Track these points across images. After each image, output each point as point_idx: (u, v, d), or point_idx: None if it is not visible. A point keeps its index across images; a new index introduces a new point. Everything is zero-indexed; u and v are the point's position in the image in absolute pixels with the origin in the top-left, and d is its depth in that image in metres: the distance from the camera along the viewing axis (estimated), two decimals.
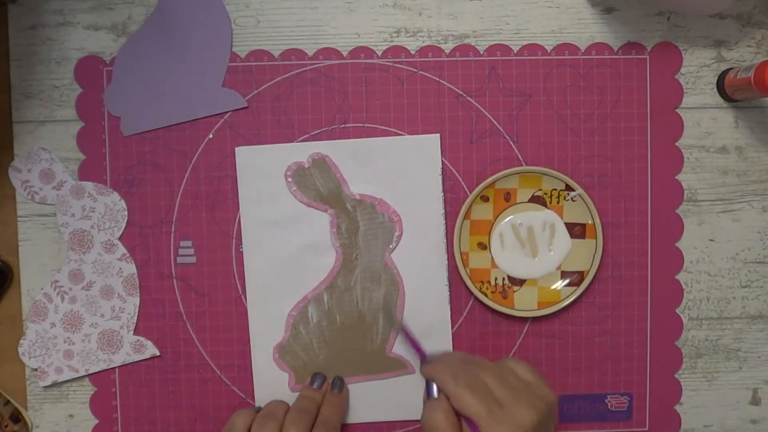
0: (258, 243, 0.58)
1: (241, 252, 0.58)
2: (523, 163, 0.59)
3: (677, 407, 0.60)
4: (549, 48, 0.59)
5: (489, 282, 0.59)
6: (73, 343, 0.58)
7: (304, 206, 0.58)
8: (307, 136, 0.58)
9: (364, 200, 0.58)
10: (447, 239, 0.59)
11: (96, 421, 0.59)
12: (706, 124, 0.59)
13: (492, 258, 0.59)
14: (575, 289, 0.58)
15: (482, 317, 0.59)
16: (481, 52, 0.59)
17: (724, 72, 0.59)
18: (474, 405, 0.46)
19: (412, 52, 0.58)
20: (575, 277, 0.58)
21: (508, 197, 0.59)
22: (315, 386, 0.57)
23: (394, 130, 0.59)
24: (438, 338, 0.59)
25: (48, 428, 0.59)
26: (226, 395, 0.59)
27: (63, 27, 0.58)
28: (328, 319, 0.59)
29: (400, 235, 0.58)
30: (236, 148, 0.58)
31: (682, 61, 0.59)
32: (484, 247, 0.59)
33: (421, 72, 0.58)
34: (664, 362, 0.60)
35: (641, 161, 0.59)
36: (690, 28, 0.59)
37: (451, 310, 0.59)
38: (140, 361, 0.59)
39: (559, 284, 0.59)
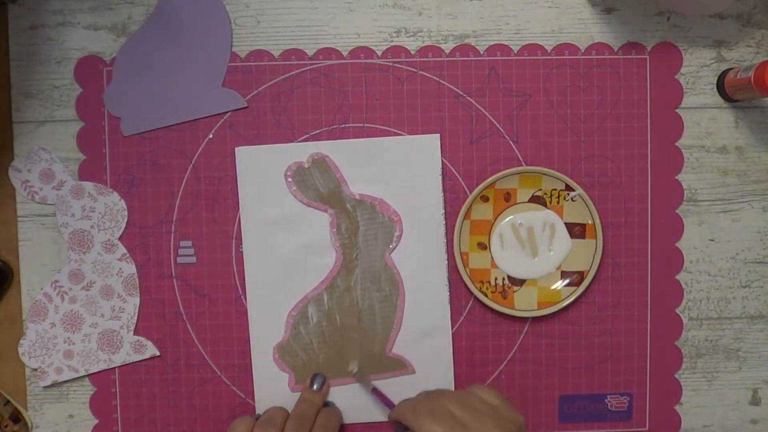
0: (258, 243, 0.58)
1: (241, 252, 0.58)
2: (523, 163, 0.59)
3: (677, 407, 0.60)
4: (549, 48, 0.59)
5: (489, 282, 0.59)
6: (73, 343, 0.58)
7: (304, 206, 0.58)
8: (307, 136, 0.58)
9: (364, 200, 0.58)
10: (447, 239, 0.59)
11: (96, 421, 0.59)
12: (706, 124, 0.59)
13: (492, 258, 0.59)
14: (575, 289, 0.58)
15: (482, 317, 0.59)
16: (481, 52, 0.59)
17: (724, 72, 0.59)
18: (436, 430, 0.47)
19: (412, 52, 0.58)
20: (575, 277, 0.58)
21: (508, 197, 0.59)
22: (315, 388, 0.58)
23: (394, 130, 0.59)
24: (438, 338, 0.59)
25: (48, 428, 0.59)
26: (226, 395, 0.59)
27: (63, 27, 0.58)
28: (328, 319, 0.59)
29: (400, 235, 0.58)
30: (236, 148, 0.58)
31: (682, 61, 0.59)
32: (484, 247, 0.59)
33: (421, 72, 0.58)
34: (664, 362, 0.60)
35: (641, 161, 0.59)
36: (690, 28, 0.59)
37: (451, 310, 0.59)
38: (140, 361, 0.59)
39: (559, 284, 0.59)
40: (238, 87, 0.58)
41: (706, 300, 0.60)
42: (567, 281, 0.59)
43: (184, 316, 0.59)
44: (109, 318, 0.58)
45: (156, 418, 0.59)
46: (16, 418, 0.59)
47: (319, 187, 0.58)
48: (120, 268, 0.58)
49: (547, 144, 0.59)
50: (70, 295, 0.58)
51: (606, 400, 0.60)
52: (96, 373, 0.59)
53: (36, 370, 0.58)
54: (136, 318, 0.59)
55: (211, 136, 0.58)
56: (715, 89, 0.59)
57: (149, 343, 0.59)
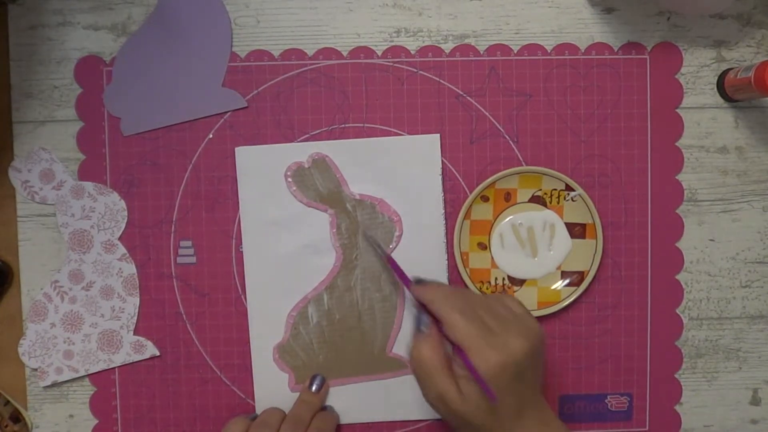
0: (258, 243, 0.58)
1: (241, 252, 0.58)
2: (523, 163, 0.59)
3: (677, 407, 0.60)
4: (549, 48, 0.59)
5: (489, 282, 0.59)
6: (73, 343, 0.58)
7: (304, 206, 0.58)
8: (307, 136, 0.58)
9: (364, 200, 0.58)
10: (447, 239, 0.59)
11: (96, 421, 0.59)
12: (706, 124, 0.59)
13: (492, 258, 0.59)
14: (575, 289, 0.58)
15: None
16: (481, 52, 0.59)
17: (724, 72, 0.59)
18: (466, 329, 0.46)
19: (412, 52, 0.58)
20: (575, 277, 0.58)
21: (508, 197, 0.59)
22: (314, 389, 0.58)
23: (394, 130, 0.59)
24: None
25: (48, 428, 0.59)
26: (226, 395, 0.59)
27: (63, 27, 0.58)
28: (328, 319, 0.59)
29: (400, 235, 0.58)
30: (236, 148, 0.58)
31: (682, 61, 0.59)
32: (484, 247, 0.59)
33: (421, 72, 0.58)
34: (664, 362, 0.60)
35: (641, 161, 0.59)
36: (690, 28, 0.59)
37: None
38: (140, 361, 0.59)
39: (559, 284, 0.59)
40: (238, 87, 0.58)
41: (706, 300, 0.60)
42: (567, 281, 0.59)
43: (184, 316, 0.59)
44: (109, 318, 0.58)
45: (156, 418, 0.59)
46: (16, 418, 0.59)
47: (319, 187, 0.58)
48: (120, 268, 0.58)
49: (547, 144, 0.59)
50: (70, 295, 0.58)
51: (606, 400, 0.60)
52: (96, 373, 0.59)
53: (36, 370, 0.58)
54: (136, 318, 0.59)
55: (211, 136, 0.58)
56: (715, 89, 0.59)
57: (149, 343, 0.59)
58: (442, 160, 0.58)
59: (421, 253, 0.58)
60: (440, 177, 0.58)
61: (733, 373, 0.61)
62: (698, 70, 0.59)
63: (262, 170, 0.58)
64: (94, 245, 0.58)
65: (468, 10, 0.59)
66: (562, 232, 0.59)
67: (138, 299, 0.59)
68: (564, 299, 0.58)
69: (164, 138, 0.58)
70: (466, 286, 0.58)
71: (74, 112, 0.58)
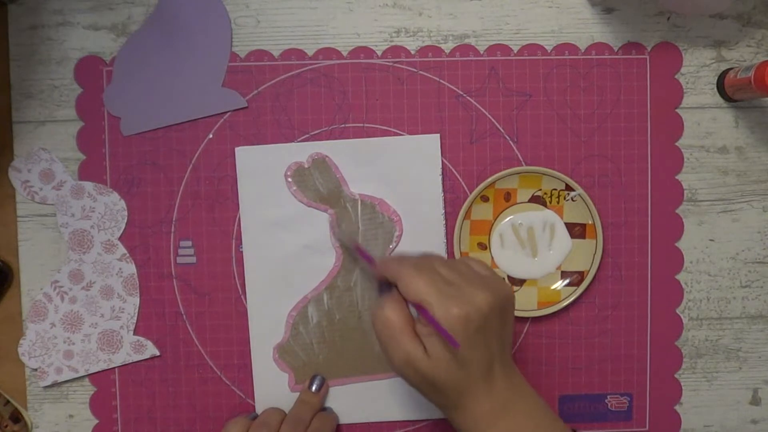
0: (258, 243, 0.58)
1: (241, 252, 0.58)
2: (523, 163, 0.59)
3: (677, 407, 0.60)
4: (549, 48, 0.59)
5: None
6: (73, 343, 0.58)
7: (304, 206, 0.58)
8: (307, 136, 0.58)
9: (364, 200, 0.58)
10: (447, 239, 0.59)
11: (96, 421, 0.59)
12: (706, 124, 0.59)
13: (492, 258, 0.59)
14: (575, 289, 0.58)
15: None
16: (481, 52, 0.59)
17: (724, 72, 0.59)
18: (422, 285, 0.44)
19: (412, 52, 0.58)
20: (575, 277, 0.59)
21: (508, 197, 0.59)
22: (314, 389, 0.58)
23: (394, 130, 0.59)
24: None
25: (48, 428, 0.59)
26: (226, 395, 0.59)
27: (63, 27, 0.58)
28: (328, 319, 0.59)
29: (400, 235, 0.58)
30: (236, 148, 0.58)
31: (682, 61, 0.59)
32: (484, 247, 0.59)
33: (421, 72, 0.58)
34: (664, 362, 0.60)
35: (641, 161, 0.59)
36: (690, 28, 0.59)
37: None
38: (140, 361, 0.59)
39: (559, 284, 0.59)
40: (238, 87, 0.58)
41: (706, 300, 0.60)
42: (567, 281, 0.59)
43: (184, 316, 0.59)
44: (109, 318, 0.58)
45: (156, 418, 0.59)
46: (16, 418, 0.58)
47: (319, 187, 0.58)
48: (120, 268, 0.58)
49: (547, 144, 0.59)
50: (70, 295, 0.58)
51: (606, 400, 0.60)
52: (96, 373, 0.59)
53: (36, 370, 0.58)
54: (136, 318, 0.59)
55: (211, 136, 0.58)
56: (715, 89, 0.59)
57: (149, 343, 0.59)
58: (442, 160, 0.58)
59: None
60: (440, 177, 0.58)
61: (733, 373, 0.61)
62: (698, 70, 0.59)
63: (262, 170, 0.58)
64: (94, 245, 0.58)
65: (468, 10, 0.59)
66: (562, 232, 0.59)
67: (138, 299, 0.59)
68: (564, 299, 0.58)
69: (164, 138, 0.58)
70: None
71: (74, 112, 0.58)
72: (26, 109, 0.58)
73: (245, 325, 0.59)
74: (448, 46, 0.59)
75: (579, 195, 0.58)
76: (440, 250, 0.58)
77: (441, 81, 0.58)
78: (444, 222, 0.58)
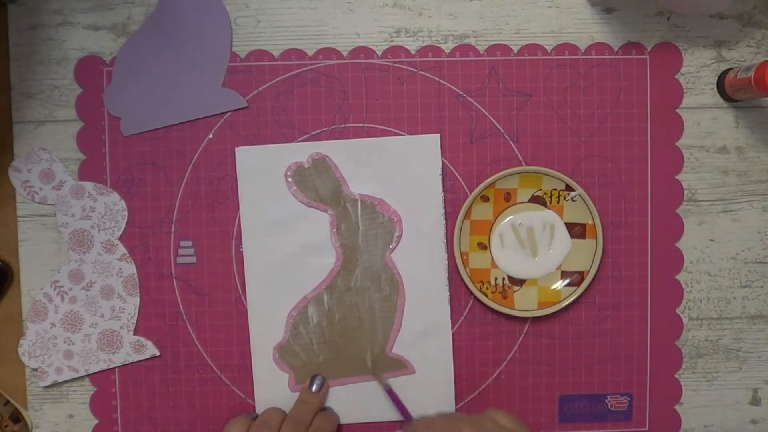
0: (258, 243, 0.58)
1: (241, 252, 0.58)
2: (523, 163, 0.59)
3: (677, 407, 0.60)
4: (549, 48, 0.59)
5: (489, 282, 0.59)
6: (73, 343, 0.58)
7: (304, 206, 0.58)
8: (307, 136, 0.58)
9: (364, 200, 0.58)
10: (447, 239, 0.59)
11: (96, 421, 0.59)
12: (706, 124, 0.59)
13: (492, 258, 0.59)
14: (575, 289, 0.58)
15: (482, 317, 0.59)
16: (481, 52, 0.59)
17: (724, 72, 0.59)
18: None
19: (412, 52, 0.58)
20: (575, 277, 0.58)
21: (508, 197, 0.59)
22: (314, 389, 0.58)
23: (394, 130, 0.59)
24: (438, 338, 0.59)
25: (48, 428, 0.59)
26: (226, 395, 0.59)
27: (63, 27, 0.58)
28: (328, 319, 0.59)
29: (400, 235, 0.58)
30: (236, 148, 0.58)
31: (682, 61, 0.59)
32: (484, 247, 0.59)
33: (421, 72, 0.58)
34: (664, 362, 0.60)
35: (641, 161, 0.59)
36: (690, 28, 0.59)
37: (451, 310, 0.59)
38: (140, 361, 0.59)
39: (559, 284, 0.59)
40: (238, 87, 0.58)
41: (706, 300, 0.60)
42: (567, 281, 0.59)
43: (184, 316, 0.59)
44: (109, 318, 0.58)
45: (156, 418, 0.59)
46: (16, 418, 0.58)
47: (319, 187, 0.58)
48: (120, 268, 0.58)
49: (547, 144, 0.59)
50: (70, 295, 0.58)
51: (606, 400, 0.60)
52: (96, 373, 0.59)
53: (36, 370, 0.58)
54: (136, 318, 0.59)
55: (211, 136, 0.58)
56: (715, 89, 0.59)
57: (149, 343, 0.59)
58: (442, 160, 0.58)
59: (421, 253, 0.58)
60: (440, 177, 0.58)
61: (733, 373, 0.61)
62: (698, 70, 0.59)
63: (262, 170, 0.58)
64: (94, 245, 0.58)
65: (468, 10, 0.59)
66: (562, 232, 0.59)
67: (138, 299, 0.59)
68: (564, 299, 0.58)
69: (164, 138, 0.58)
70: (466, 286, 0.58)
71: (74, 112, 0.58)
72: (26, 109, 0.58)
73: (245, 325, 0.59)
74: (448, 46, 0.59)
75: (579, 195, 0.58)
76: (440, 250, 0.58)
77: (441, 81, 0.58)
78: (444, 222, 0.58)
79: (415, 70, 0.58)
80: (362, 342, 0.59)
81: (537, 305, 0.58)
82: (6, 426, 0.58)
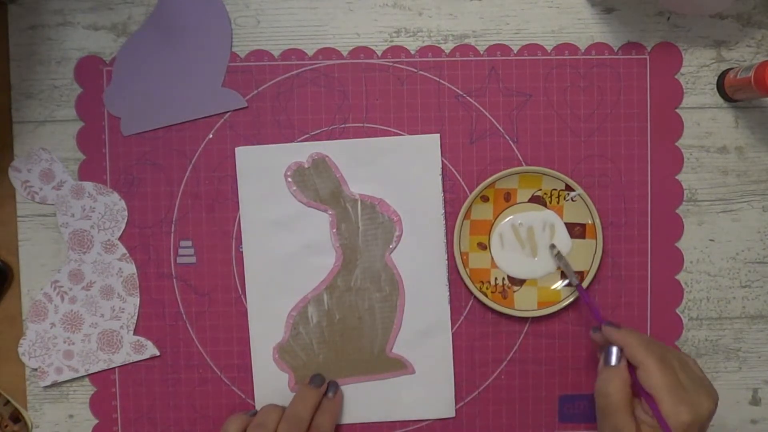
0: (258, 243, 0.58)
1: (241, 252, 0.58)
2: (523, 163, 0.59)
3: None
4: (549, 48, 0.59)
5: (489, 282, 0.59)
6: (73, 343, 0.58)
7: (304, 206, 0.58)
8: (307, 136, 0.59)
9: (364, 200, 0.58)
10: (447, 239, 0.59)
11: (96, 421, 0.59)
12: (706, 124, 0.59)
13: (492, 258, 0.59)
14: (575, 289, 0.58)
15: (482, 317, 0.59)
16: (481, 52, 0.59)
17: (724, 72, 0.59)
18: (662, 380, 0.47)
19: (412, 52, 0.58)
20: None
21: (508, 197, 0.59)
22: (330, 395, 0.57)
23: (394, 130, 0.59)
24: (438, 338, 0.59)
25: (48, 428, 0.59)
26: (226, 395, 0.59)
27: (63, 27, 0.58)
28: (328, 319, 0.59)
29: (400, 235, 0.58)
30: (236, 148, 0.58)
31: (682, 61, 0.59)
32: (484, 247, 0.59)
33: (421, 72, 0.58)
34: None
35: (641, 161, 0.59)
36: (690, 28, 0.59)
37: (451, 310, 0.59)
38: (140, 361, 0.59)
39: (559, 284, 0.59)
40: (238, 87, 0.58)
41: (706, 300, 0.60)
42: (567, 281, 0.59)
43: (184, 316, 0.59)
44: (109, 318, 0.58)
45: (156, 418, 0.59)
46: (16, 418, 0.59)
47: (318, 187, 0.58)
48: (120, 268, 0.58)
49: (547, 144, 0.59)
50: (70, 295, 0.58)
51: None
52: (96, 373, 0.59)
53: (36, 370, 0.58)
54: (136, 318, 0.59)
55: (211, 136, 0.59)
56: (715, 89, 0.59)
57: (149, 343, 0.59)
58: (442, 160, 0.58)
59: (421, 253, 0.58)
60: (440, 177, 0.58)
61: (733, 373, 0.61)
62: (698, 70, 0.59)
63: (262, 170, 0.58)
64: (94, 245, 0.58)
65: (468, 10, 0.59)
66: (562, 232, 0.59)
67: (138, 299, 0.59)
68: (564, 299, 0.58)
69: (164, 138, 0.58)
70: (465, 286, 0.58)
71: (74, 112, 0.58)
72: (26, 109, 0.58)
73: (245, 325, 0.59)
74: (448, 46, 0.59)
75: (579, 195, 0.58)
76: (440, 250, 0.58)
77: (441, 81, 0.58)
78: (444, 222, 0.58)
79: (415, 70, 0.58)
80: (362, 342, 0.59)
81: (537, 305, 0.58)
82: (6, 426, 0.58)
